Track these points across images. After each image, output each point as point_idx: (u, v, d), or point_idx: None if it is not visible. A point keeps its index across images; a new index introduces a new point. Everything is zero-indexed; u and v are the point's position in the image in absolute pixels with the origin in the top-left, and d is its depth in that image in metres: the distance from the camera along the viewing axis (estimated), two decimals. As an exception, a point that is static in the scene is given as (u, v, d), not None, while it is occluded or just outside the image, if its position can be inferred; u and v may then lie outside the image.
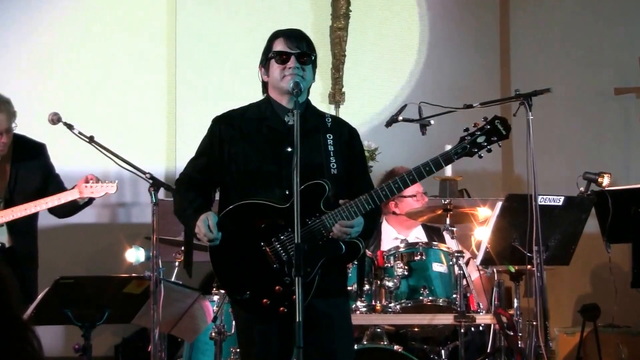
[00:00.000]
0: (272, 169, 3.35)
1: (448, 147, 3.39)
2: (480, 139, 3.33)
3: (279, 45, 3.40)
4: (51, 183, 4.68)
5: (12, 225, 4.56)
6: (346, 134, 3.49)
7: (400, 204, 5.28)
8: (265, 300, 3.28)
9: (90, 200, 4.63)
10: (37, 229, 4.77)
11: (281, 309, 3.27)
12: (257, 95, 3.58)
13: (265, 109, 3.45)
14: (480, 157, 3.35)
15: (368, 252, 4.59)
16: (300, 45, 3.39)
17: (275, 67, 3.39)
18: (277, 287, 3.28)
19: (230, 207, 3.33)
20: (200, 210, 3.32)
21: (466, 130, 3.35)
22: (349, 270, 4.27)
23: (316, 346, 3.24)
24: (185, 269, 3.60)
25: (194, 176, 3.47)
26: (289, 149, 3.27)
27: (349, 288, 4.22)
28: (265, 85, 3.49)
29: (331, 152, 3.38)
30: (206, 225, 3.27)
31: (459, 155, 3.34)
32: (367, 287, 4.56)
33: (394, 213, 5.31)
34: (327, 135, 3.41)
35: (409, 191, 5.03)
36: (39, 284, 4.57)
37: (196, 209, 3.33)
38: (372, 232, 3.68)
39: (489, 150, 3.36)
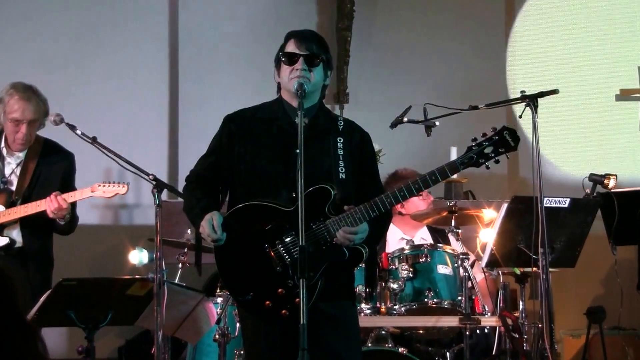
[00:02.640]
0: (280, 169, 3.34)
1: (453, 149, 3.38)
2: (488, 150, 3.29)
3: (290, 47, 3.39)
4: (65, 190, 4.62)
5: (25, 224, 4.54)
6: (357, 138, 3.47)
7: (407, 204, 5.25)
8: (267, 302, 3.27)
9: (70, 229, 4.63)
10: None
11: (283, 311, 3.25)
12: (260, 96, 3.57)
13: (277, 109, 3.44)
14: (487, 167, 3.33)
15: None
16: (309, 46, 3.36)
17: (284, 68, 3.38)
18: (279, 290, 3.26)
19: (235, 207, 3.32)
20: (206, 210, 3.30)
21: (474, 140, 3.32)
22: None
23: (323, 349, 3.23)
24: (196, 266, 3.58)
25: (203, 174, 3.46)
26: (298, 151, 3.25)
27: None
28: (279, 86, 3.48)
29: (340, 156, 3.36)
30: (210, 225, 3.25)
31: (465, 165, 3.31)
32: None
33: (400, 213, 5.29)
34: (338, 139, 3.39)
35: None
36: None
37: (203, 208, 3.32)
38: (379, 238, 3.65)
39: (497, 162, 3.32)
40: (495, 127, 3.32)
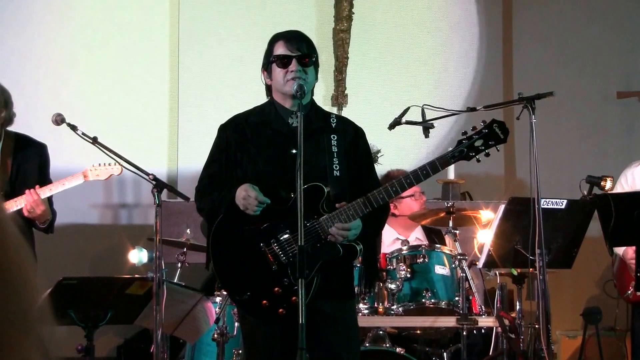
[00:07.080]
0: (277, 171, 3.36)
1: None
2: (478, 143, 3.31)
3: (280, 49, 3.40)
4: (42, 183, 4.61)
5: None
6: (351, 134, 3.49)
7: (400, 205, 5.28)
8: (264, 301, 3.29)
9: (50, 228, 4.58)
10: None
11: (280, 310, 3.27)
12: (259, 97, 3.59)
13: (269, 112, 3.46)
14: (478, 161, 3.34)
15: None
16: (300, 47, 3.39)
17: (277, 71, 3.40)
18: (275, 289, 3.28)
19: (230, 208, 3.32)
20: (232, 189, 3.29)
21: (464, 133, 3.34)
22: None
23: (322, 349, 3.25)
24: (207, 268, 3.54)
25: (209, 182, 3.47)
26: (294, 151, 3.27)
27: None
28: (268, 89, 3.49)
29: (335, 153, 3.38)
30: (253, 187, 3.25)
31: (455, 159, 3.33)
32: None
33: (393, 215, 5.30)
34: (332, 136, 3.42)
35: (406, 191, 5.04)
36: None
37: (228, 190, 3.31)
38: (375, 233, 3.67)
39: (487, 155, 3.34)
40: (485, 121, 3.35)
